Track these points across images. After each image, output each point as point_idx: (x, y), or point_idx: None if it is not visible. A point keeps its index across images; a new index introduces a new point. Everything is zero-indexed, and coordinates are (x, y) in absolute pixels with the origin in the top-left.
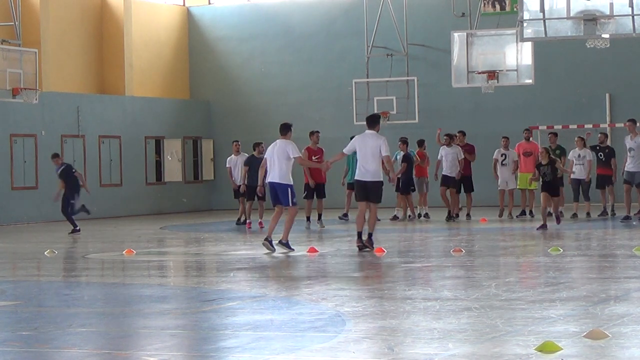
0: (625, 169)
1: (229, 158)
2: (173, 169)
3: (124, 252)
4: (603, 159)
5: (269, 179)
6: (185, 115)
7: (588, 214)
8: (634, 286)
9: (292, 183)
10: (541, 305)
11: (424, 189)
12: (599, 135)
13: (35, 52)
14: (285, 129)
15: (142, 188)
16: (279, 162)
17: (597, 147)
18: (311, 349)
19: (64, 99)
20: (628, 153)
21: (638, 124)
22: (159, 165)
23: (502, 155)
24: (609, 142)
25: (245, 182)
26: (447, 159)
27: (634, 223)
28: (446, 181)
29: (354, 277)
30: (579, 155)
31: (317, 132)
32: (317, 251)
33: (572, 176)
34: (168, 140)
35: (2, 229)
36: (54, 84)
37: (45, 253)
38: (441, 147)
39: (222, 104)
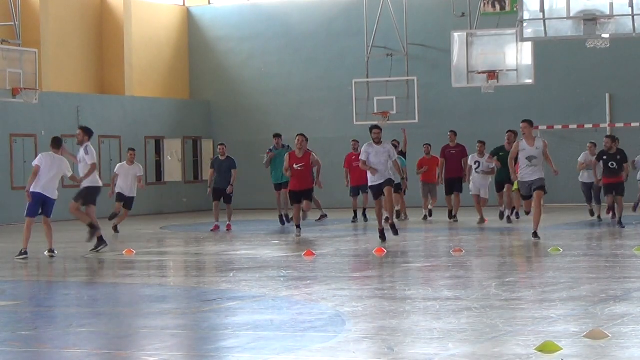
0: (520, 178)
1: (119, 164)
2: (173, 169)
3: (124, 252)
4: (615, 167)
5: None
6: (185, 115)
7: (599, 217)
8: (634, 286)
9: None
10: (541, 305)
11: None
12: (605, 140)
13: (35, 52)
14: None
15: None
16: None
17: (605, 155)
18: (311, 349)
19: (64, 99)
20: (528, 161)
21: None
22: (159, 165)
23: (475, 163)
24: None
25: (211, 184)
26: None
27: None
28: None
29: (354, 277)
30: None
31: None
32: (313, 254)
33: (581, 179)
34: (168, 140)
35: (2, 229)
36: (54, 84)
37: (45, 253)
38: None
39: (222, 104)
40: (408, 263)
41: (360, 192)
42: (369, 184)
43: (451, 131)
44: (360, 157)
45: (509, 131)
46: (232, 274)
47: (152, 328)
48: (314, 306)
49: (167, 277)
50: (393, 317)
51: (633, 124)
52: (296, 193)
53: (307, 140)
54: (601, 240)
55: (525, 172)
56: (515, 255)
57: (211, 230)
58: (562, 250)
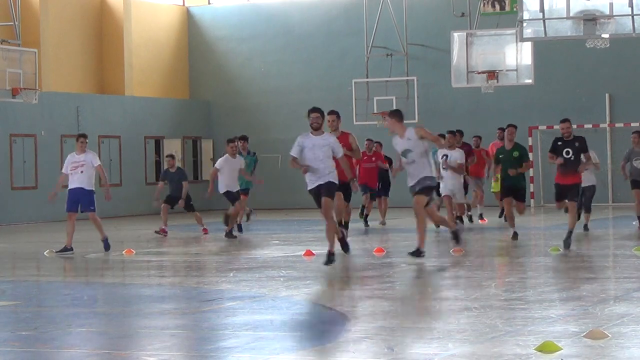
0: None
1: (223, 158)
2: None
3: (123, 252)
4: (571, 158)
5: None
6: (185, 115)
7: (586, 226)
8: (634, 286)
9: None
10: (541, 305)
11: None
12: (562, 124)
13: (35, 52)
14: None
15: (142, 188)
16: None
17: (559, 141)
18: (311, 349)
19: (64, 99)
20: (404, 157)
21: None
22: (158, 165)
23: (443, 157)
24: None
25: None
26: None
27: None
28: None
29: (354, 277)
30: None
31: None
32: (313, 254)
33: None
34: (168, 140)
35: (2, 229)
36: (53, 84)
37: (45, 253)
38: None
39: (222, 104)
40: (408, 263)
41: (366, 192)
42: (308, 188)
43: (449, 132)
44: (290, 152)
45: (509, 126)
46: (232, 274)
47: (152, 328)
48: (314, 306)
49: (167, 277)
50: (393, 317)
51: (633, 124)
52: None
53: (339, 118)
54: (601, 241)
55: (408, 172)
56: (515, 255)
57: (156, 232)
58: (562, 250)
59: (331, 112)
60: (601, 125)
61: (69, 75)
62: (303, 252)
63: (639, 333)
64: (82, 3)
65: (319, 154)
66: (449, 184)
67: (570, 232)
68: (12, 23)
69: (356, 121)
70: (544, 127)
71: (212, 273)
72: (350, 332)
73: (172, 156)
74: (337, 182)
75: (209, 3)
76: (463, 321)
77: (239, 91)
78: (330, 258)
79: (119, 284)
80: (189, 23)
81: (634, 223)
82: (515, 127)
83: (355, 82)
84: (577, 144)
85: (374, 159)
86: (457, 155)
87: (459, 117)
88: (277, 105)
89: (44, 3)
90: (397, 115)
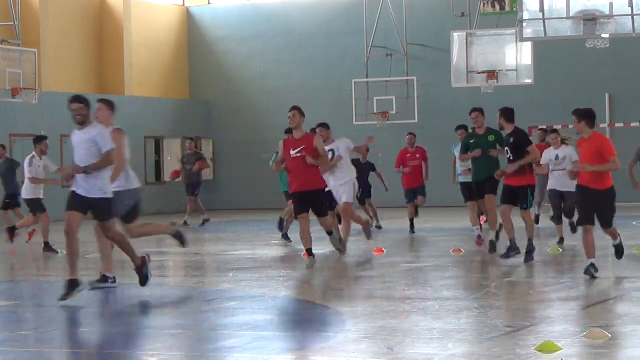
0: None
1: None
2: (173, 169)
3: None
4: (511, 157)
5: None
6: (185, 115)
7: (562, 238)
8: (633, 286)
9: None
10: (541, 305)
11: None
12: (499, 114)
13: (35, 52)
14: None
15: (142, 188)
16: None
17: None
18: (311, 349)
19: (64, 99)
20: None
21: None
22: (158, 165)
23: (329, 151)
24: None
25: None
26: None
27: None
28: None
29: (354, 277)
30: (557, 157)
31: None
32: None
33: (550, 187)
34: (168, 140)
35: (2, 229)
36: (53, 84)
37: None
38: None
39: (222, 104)
40: (408, 263)
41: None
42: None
43: (462, 126)
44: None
45: (473, 111)
46: (232, 274)
47: (152, 328)
48: (314, 306)
49: (167, 277)
50: (393, 317)
51: (633, 124)
52: (302, 196)
53: (303, 116)
54: (600, 241)
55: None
56: (515, 256)
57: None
58: (562, 250)
59: (292, 108)
60: (601, 125)
61: (69, 75)
62: (303, 252)
63: (638, 333)
64: (82, 3)
65: (81, 152)
66: (337, 190)
67: (529, 241)
68: (12, 23)
69: (356, 121)
70: (544, 127)
71: (212, 273)
72: (350, 332)
73: (2, 146)
74: (107, 197)
75: (209, 3)
76: (463, 321)
77: (239, 91)
78: (69, 286)
79: (119, 284)
80: (189, 23)
81: (634, 223)
82: (480, 110)
83: (355, 82)
84: (512, 140)
85: (418, 155)
86: (344, 146)
87: (459, 117)
88: (277, 105)
89: (44, 3)
90: (108, 103)
